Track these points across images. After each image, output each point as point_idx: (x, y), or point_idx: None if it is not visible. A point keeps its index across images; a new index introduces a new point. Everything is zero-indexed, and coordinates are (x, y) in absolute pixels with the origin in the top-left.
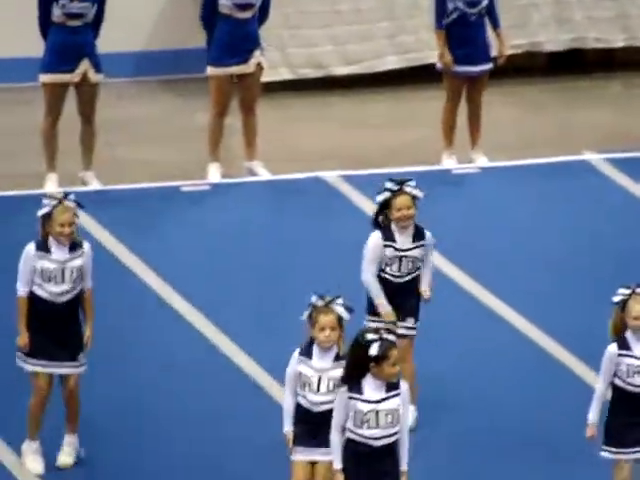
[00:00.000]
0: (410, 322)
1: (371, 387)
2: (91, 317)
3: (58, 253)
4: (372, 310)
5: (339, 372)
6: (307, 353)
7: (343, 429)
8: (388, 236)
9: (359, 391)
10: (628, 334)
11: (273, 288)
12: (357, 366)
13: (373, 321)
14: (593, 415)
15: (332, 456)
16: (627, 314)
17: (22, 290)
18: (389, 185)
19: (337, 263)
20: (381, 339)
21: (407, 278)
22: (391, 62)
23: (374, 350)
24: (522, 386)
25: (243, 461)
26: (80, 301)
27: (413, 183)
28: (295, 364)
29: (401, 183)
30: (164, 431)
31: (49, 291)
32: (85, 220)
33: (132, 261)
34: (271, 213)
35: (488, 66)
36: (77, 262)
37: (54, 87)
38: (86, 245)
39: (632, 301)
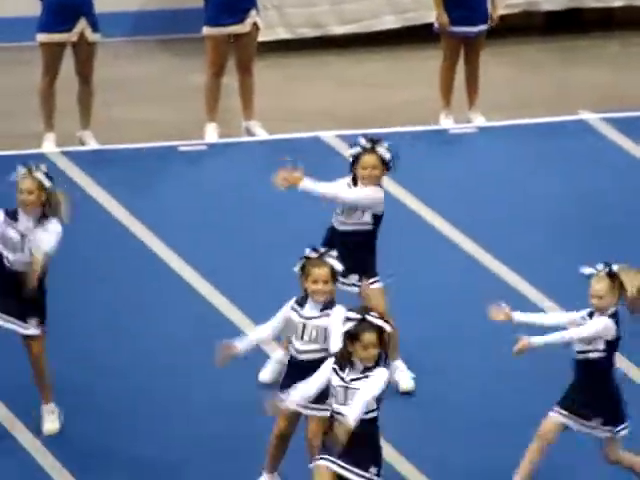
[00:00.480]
0: (354, 279)
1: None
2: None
3: (23, 223)
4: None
5: (324, 322)
6: (301, 303)
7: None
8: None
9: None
10: None
11: (269, 247)
12: (344, 343)
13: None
14: (538, 339)
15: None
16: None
17: None
18: (362, 142)
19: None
20: (362, 320)
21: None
22: (389, 21)
23: (346, 327)
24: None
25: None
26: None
27: (385, 144)
28: (287, 309)
29: (373, 142)
30: (162, 393)
31: (10, 260)
32: (82, 179)
33: (129, 220)
34: (268, 173)
35: (485, 27)
36: (39, 234)
37: (51, 47)
38: (51, 224)
39: (593, 280)
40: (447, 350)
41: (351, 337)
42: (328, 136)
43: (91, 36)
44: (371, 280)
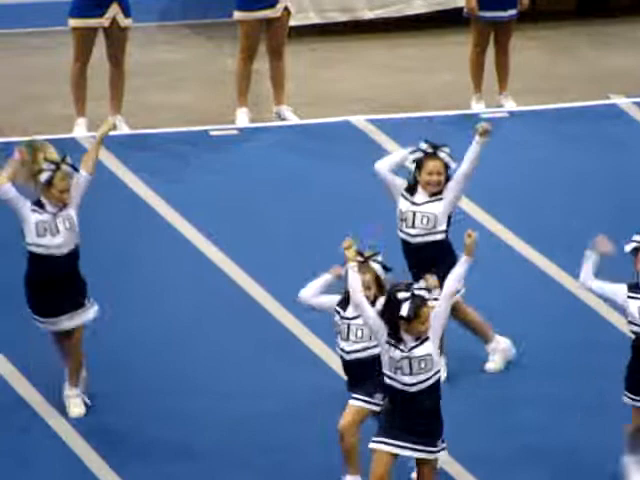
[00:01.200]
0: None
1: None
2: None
3: (49, 209)
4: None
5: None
6: (343, 305)
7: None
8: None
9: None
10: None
11: (300, 231)
12: (390, 322)
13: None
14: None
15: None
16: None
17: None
18: (424, 146)
19: (365, 207)
20: (413, 296)
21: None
22: (419, 6)
23: (404, 311)
24: (547, 325)
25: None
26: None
27: (447, 149)
28: (334, 313)
29: (435, 147)
30: (192, 371)
31: (49, 245)
32: (114, 164)
33: (160, 205)
34: (299, 157)
35: (515, 11)
36: (65, 212)
37: (83, 31)
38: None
39: None
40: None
41: (407, 319)
42: (359, 120)
43: (123, 21)
44: None
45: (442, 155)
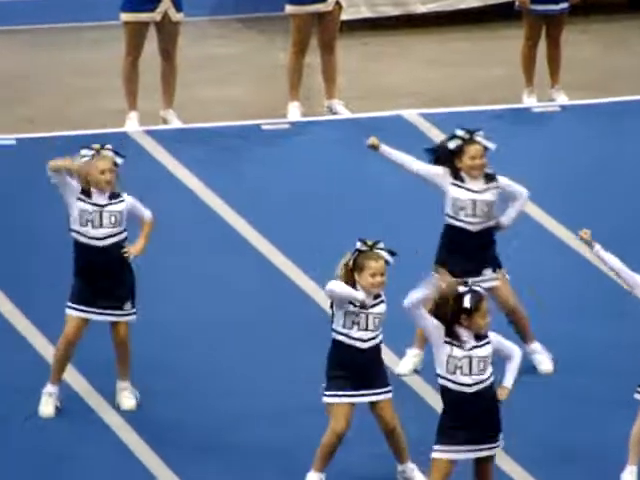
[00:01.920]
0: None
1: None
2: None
3: (97, 199)
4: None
5: (382, 308)
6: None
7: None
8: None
9: (457, 339)
10: None
11: (352, 226)
12: (447, 319)
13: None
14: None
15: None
16: None
17: None
18: (460, 133)
19: (416, 201)
20: (472, 291)
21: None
22: (471, 0)
23: (467, 302)
24: (602, 325)
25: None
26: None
27: (481, 132)
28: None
29: (471, 132)
30: (230, 360)
31: (90, 235)
32: (166, 158)
33: (212, 199)
34: (351, 151)
35: (567, 4)
36: (117, 207)
37: (135, 26)
38: (127, 198)
39: None
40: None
41: (468, 311)
42: (410, 114)
43: (175, 16)
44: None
45: (479, 139)
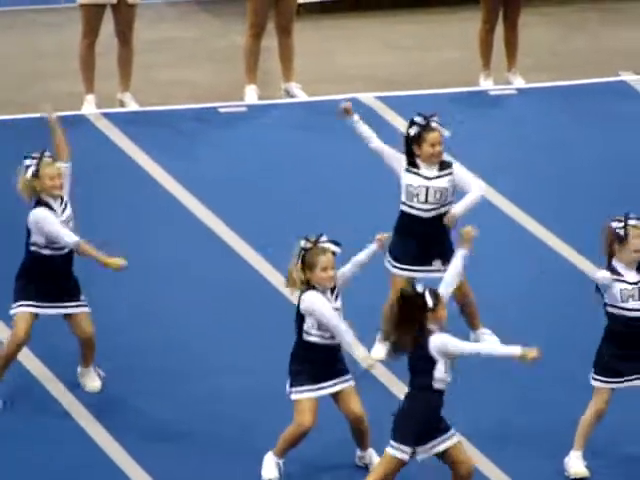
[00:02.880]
0: (437, 264)
1: None
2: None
3: (59, 210)
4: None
5: (339, 303)
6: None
7: None
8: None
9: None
10: (615, 262)
11: (308, 207)
12: (413, 320)
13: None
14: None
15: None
16: (625, 246)
17: (74, 237)
18: (419, 119)
19: (373, 184)
20: (427, 289)
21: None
22: None
23: (430, 300)
24: (559, 305)
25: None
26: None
27: (436, 119)
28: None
29: (427, 118)
30: (195, 345)
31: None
32: (122, 141)
33: (169, 182)
34: (308, 134)
35: None
36: (67, 212)
37: (91, 8)
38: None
39: (632, 234)
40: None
41: (435, 306)
42: (366, 97)
43: None
44: None
45: (436, 125)
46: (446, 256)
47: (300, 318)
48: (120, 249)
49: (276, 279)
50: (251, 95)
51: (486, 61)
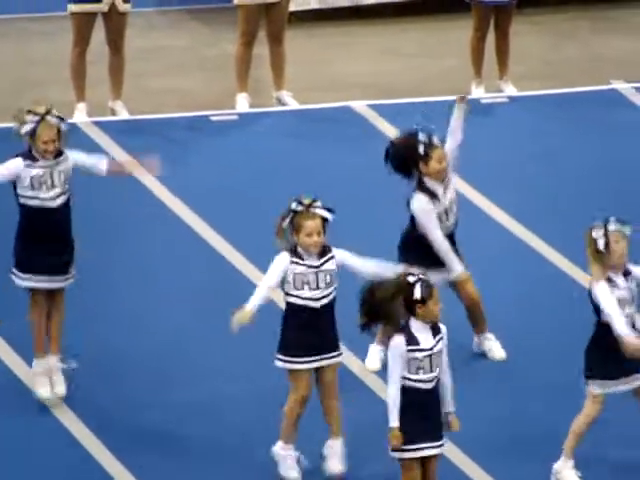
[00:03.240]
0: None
1: (421, 334)
2: None
3: (43, 163)
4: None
5: (332, 266)
6: (299, 255)
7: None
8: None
9: (416, 342)
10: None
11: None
12: (396, 311)
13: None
14: None
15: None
16: (610, 254)
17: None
18: (423, 137)
19: (365, 193)
20: (421, 280)
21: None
22: None
23: (418, 292)
24: (551, 313)
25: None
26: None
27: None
28: (285, 262)
29: (429, 134)
30: (178, 349)
31: (42, 197)
32: (114, 149)
33: (160, 190)
34: (299, 143)
35: None
36: (62, 166)
37: (82, 16)
38: (69, 153)
39: (612, 239)
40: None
41: (423, 300)
42: (359, 106)
43: (122, 6)
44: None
45: (437, 141)
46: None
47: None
48: (111, 256)
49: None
50: (242, 103)
51: (477, 69)
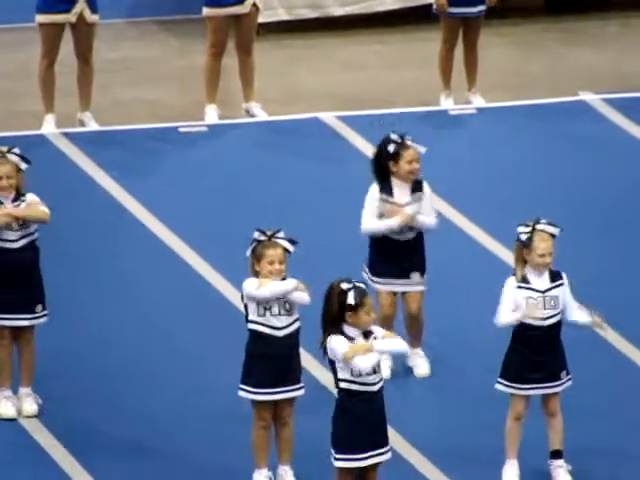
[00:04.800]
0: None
1: (353, 341)
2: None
3: (5, 202)
4: (373, 268)
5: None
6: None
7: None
8: (387, 190)
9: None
10: (526, 269)
11: (268, 227)
12: (333, 316)
13: (374, 281)
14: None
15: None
16: (531, 251)
17: None
18: (394, 137)
19: (334, 203)
20: (355, 287)
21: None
22: (388, 3)
23: (351, 299)
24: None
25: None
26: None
27: (410, 137)
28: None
29: (402, 136)
30: (154, 365)
31: (2, 239)
32: (82, 160)
33: (129, 201)
34: (268, 154)
35: (484, 7)
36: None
37: (50, 27)
38: (29, 196)
39: (536, 238)
40: (453, 339)
41: (353, 308)
42: (328, 117)
43: (90, 17)
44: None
45: (412, 143)
46: (422, 268)
47: (245, 307)
48: (80, 268)
49: (236, 297)
50: (211, 115)
51: (446, 81)
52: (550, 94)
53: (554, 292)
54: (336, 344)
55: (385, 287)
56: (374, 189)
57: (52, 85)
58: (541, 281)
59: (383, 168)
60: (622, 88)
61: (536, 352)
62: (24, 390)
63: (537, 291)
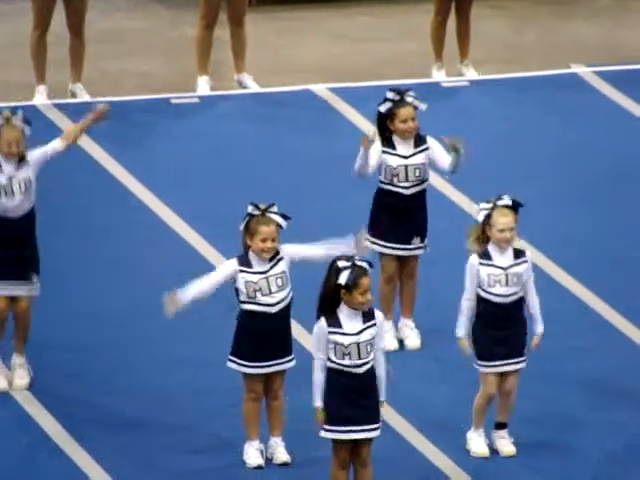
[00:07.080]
0: (417, 242)
1: (348, 319)
2: None
3: (6, 168)
4: (377, 232)
5: (282, 267)
6: (248, 263)
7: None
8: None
9: (338, 325)
10: (490, 246)
11: (261, 198)
12: (330, 295)
13: (378, 244)
14: (461, 330)
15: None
16: (491, 227)
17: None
18: (390, 95)
19: (326, 175)
20: (353, 266)
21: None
22: None
23: (343, 278)
24: None
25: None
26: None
27: (412, 93)
28: (230, 269)
29: (401, 92)
30: (156, 343)
31: (4, 207)
32: None
33: (121, 173)
34: (260, 125)
35: None
36: (23, 174)
37: None
38: (30, 155)
39: (496, 213)
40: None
41: (347, 287)
42: (319, 89)
43: None
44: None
45: (410, 100)
46: (424, 234)
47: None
48: (71, 241)
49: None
50: (203, 86)
51: (438, 53)
52: (542, 66)
53: (516, 269)
54: (314, 335)
55: (389, 251)
56: (377, 143)
57: (44, 56)
58: (504, 258)
59: (382, 125)
60: (614, 60)
61: (499, 328)
62: (17, 360)
63: (499, 267)
